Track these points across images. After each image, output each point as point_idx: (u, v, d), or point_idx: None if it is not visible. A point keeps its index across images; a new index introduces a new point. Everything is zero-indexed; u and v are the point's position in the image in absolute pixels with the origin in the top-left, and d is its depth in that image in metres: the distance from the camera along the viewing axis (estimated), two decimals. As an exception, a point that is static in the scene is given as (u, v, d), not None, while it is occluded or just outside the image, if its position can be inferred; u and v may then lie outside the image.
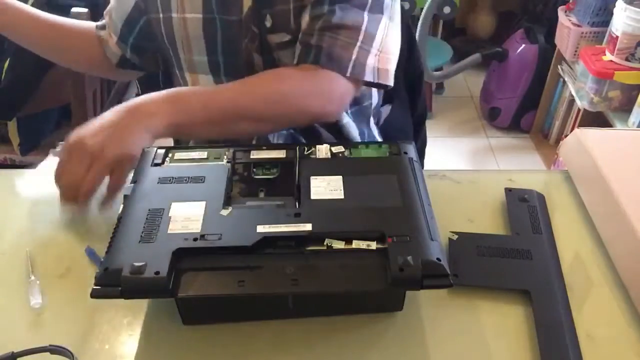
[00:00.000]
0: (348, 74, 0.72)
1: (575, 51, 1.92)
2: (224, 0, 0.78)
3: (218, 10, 0.78)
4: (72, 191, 0.63)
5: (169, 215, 0.55)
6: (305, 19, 0.75)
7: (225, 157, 0.64)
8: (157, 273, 0.49)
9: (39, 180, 0.77)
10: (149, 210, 0.56)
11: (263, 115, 0.72)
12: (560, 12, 2.02)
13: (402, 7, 0.83)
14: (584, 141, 0.75)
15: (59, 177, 0.64)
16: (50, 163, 0.66)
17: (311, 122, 0.81)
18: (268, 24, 0.77)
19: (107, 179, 0.64)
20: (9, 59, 1.55)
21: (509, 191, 0.73)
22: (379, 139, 0.96)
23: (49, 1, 1.51)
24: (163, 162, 0.63)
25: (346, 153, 0.65)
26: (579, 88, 1.87)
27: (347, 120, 0.89)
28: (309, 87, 0.73)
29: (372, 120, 0.96)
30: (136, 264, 0.49)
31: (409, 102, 1.07)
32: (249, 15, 0.77)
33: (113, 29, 0.90)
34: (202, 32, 0.81)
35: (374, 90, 0.93)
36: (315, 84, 0.73)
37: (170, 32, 0.84)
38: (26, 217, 0.69)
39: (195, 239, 0.52)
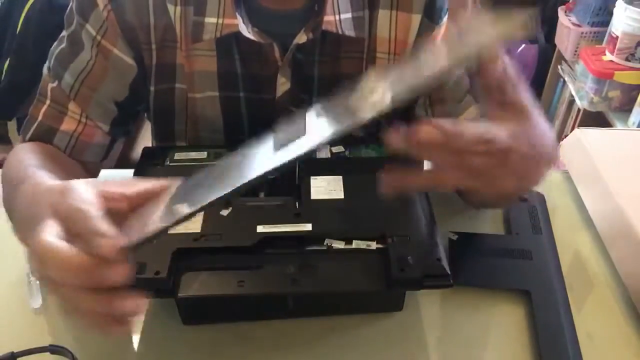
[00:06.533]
0: None
1: (575, 51, 1.92)
2: (253, 78, 0.69)
3: (245, 88, 0.70)
4: None
5: (169, 215, 0.55)
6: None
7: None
8: (157, 273, 0.49)
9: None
10: (149, 210, 0.55)
11: None
12: (560, 12, 2.02)
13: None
14: (584, 141, 0.75)
15: None
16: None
17: None
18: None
19: None
20: (9, 59, 1.55)
21: (509, 191, 0.73)
22: None
23: (50, 1, 1.51)
24: (163, 163, 0.63)
25: (346, 153, 0.65)
26: (579, 88, 1.87)
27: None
28: None
29: None
30: (136, 263, 0.49)
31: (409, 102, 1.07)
32: (285, 97, 0.70)
33: (100, 119, 0.69)
34: (221, 112, 0.72)
35: None
36: None
37: (166, 104, 0.71)
38: (26, 217, 0.69)
39: (195, 239, 0.52)
